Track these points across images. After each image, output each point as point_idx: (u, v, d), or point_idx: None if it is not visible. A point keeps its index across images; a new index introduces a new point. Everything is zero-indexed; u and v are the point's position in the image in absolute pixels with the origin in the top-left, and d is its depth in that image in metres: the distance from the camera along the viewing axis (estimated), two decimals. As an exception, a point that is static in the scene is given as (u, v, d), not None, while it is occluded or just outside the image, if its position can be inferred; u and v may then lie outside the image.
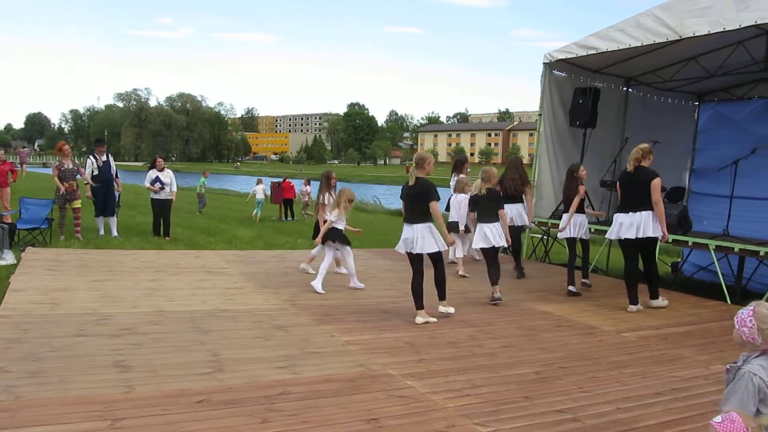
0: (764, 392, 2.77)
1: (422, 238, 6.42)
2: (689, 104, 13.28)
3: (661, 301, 7.88)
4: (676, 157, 12.83)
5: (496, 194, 7.88)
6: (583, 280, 8.85)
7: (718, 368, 5.23)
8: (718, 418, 2.41)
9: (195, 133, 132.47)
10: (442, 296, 6.76)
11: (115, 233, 11.79)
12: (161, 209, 12.16)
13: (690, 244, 9.29)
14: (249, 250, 11.48)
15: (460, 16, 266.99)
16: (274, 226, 16.54)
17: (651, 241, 7.72)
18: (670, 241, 9.54)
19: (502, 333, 6.30)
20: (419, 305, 6.54)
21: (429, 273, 6.61)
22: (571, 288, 8.37)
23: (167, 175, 12.18)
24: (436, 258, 6.60)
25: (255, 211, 18.87)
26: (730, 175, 9.48)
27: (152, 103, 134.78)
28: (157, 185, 11.97)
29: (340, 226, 8.04)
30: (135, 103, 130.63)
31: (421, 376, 4.80)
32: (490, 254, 7.73)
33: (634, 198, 7.51)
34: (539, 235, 12.40)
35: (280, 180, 19.50)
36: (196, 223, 15.64)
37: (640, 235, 7.42)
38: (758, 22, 8.12)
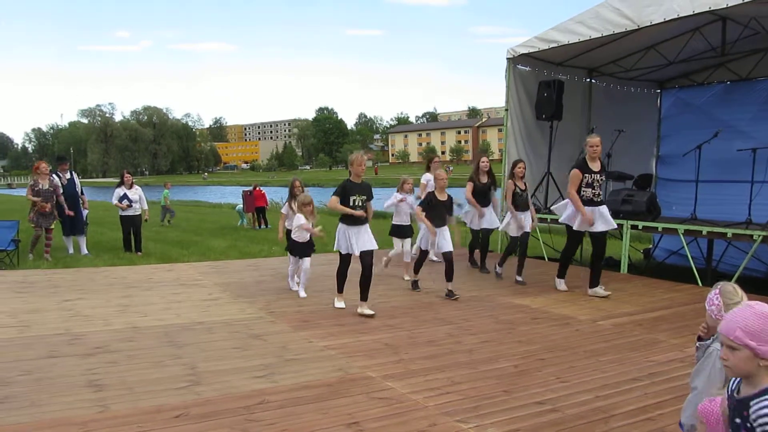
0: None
1: None
2: (651, 92, 13.51)
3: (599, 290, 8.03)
4: (642, 144, 13.04)
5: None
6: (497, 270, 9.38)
7: (692, 351, 5.29)
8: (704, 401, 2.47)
9: (163, 146, 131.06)
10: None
11: (85, 251, 11.60)
12: (131, 224, 11.99)
13: (660, 229, 9.44)
14: (223, 260, 11.37)
15: (420, 16, 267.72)
16: (248, 234, 16.41)
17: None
18: (640, 228, 9.71)
19: (479, 329, 6.32)
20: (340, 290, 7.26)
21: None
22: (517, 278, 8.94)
23: (136, 192, 12.02)
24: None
25: (239, 222, 19.00)
26: (695, 159, 9.65)
27: (117, 117, 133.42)
28: (125, 202, 11.80)
29: (299, 235, 7.87)
30: (100, 118, 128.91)
31: (401, 376, 4.80)
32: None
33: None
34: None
35: (251, 188, 19.35)
36: (168, 236, 15.45)
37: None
38: (712, 8, 8.29)
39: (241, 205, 19.53)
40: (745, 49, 10.31)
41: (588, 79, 12.74)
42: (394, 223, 9.02)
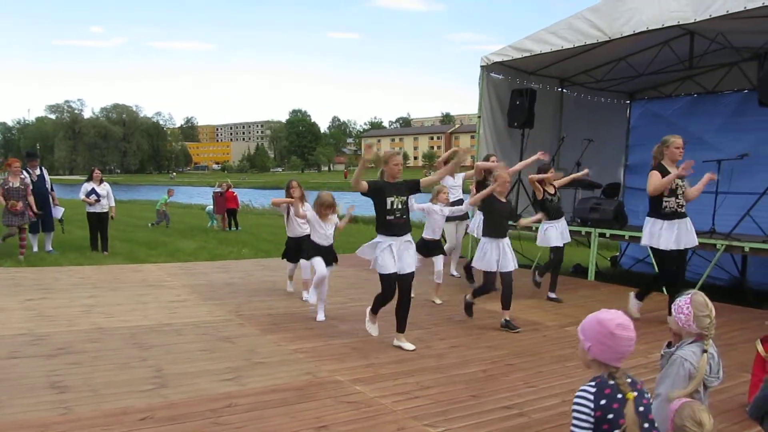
0: (694, 377, 2.89)
1: None
2: (621, 103, 13.75)
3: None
4: (611, 154, 13.27)
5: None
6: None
7: (656, 356, 5.38)
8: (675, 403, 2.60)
9: (133, 145, 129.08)
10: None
11: (49, 248, 11.37)
12: (98, 222, 11.80)
13: (627, 237, 9.61)
14: (192, 261, 11.24)
15: (398, 21, 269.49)
16: (218, 236, 16.26)
17: None
18: (608, 236, 9.86)
19: (449, 334, 6.36)
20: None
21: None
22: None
23: (104, 188, 11.84)
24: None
25: (209, 223, 18.81)
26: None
27: (86, 114, 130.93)
28: (93, 197, 11.61)
29: (317, 238, 6.93)
30: (68, 115, 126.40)
31: (370, 380, 4.79)
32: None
33: None
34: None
35: (220, 189, 19.18)
36: (136, 236, 15.22)
37: None
38: (680, 23, 8.49)
39: (212, 207, 19.35)
40: (711, 63, 10.59)
41: (559, 89, 12.92)
42: (425, 237, 7.88)
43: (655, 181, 6.68)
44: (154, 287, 8.32)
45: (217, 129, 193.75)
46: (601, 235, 9.88)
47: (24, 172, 11.04)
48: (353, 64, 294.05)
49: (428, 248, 7.79)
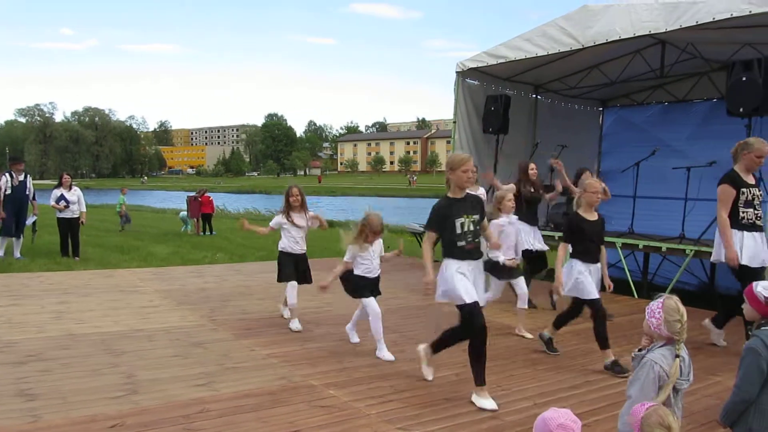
0: (663, 380, 2.95)
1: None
2: (594, 110, 13.93)
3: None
4: (584, 160, 13.37)
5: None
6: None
7: (628, 360, 5.48)
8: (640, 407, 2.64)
9: (105, 148, 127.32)
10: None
11: (17, 255, 11.16)
12: (69, 228, 11.62)
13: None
14: (165, 266, 11.12)
15: (374, 27, 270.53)
16: (192, 241, 16.11)
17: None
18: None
19: (423, 337, 6.36)
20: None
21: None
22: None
23: (74, 193, 11.67)
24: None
25: (183, 228, 18.65)
26: (633, 176, 10.01)
27: (58, 118, 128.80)
28: (62, 203, 11.44)
29: (363, 270, 5.72)
30: (39, 118, 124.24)
31: (344, 384, 4.79)
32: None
33: None
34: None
35: (195, 193, 19.04)
36: (108, 241, 15.02)
37: None
38: (652, 32, 8.64)
39: (185, 212, 19.19)
40: (681, 72, 10.80)
41: (534, 95, 13.05)
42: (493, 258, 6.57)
43: (722, 195, 5.97)
44: (127, 293, 8.22)
45: (192, 133, 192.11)
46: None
47: (6, 175, 10.89)
48: (330, 69, 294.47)
49: (499, 268, 6.62)
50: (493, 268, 6.52)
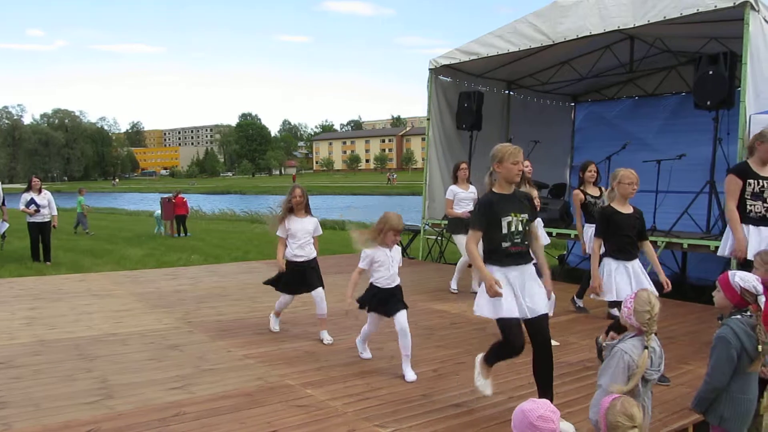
0: (633, 369, 3.00)
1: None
2: (566, 105, 14.09)
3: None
4: (557, 155, 13.57)
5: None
6: None
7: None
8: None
9: (76, 151, 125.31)
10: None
11: (-13, 261, 10.97)
12: (40, 232, 11.44)
13: (572, 236, 9.84)
14: (139, 269, 11.00)
15: (347, 24, 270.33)
16: (166, 243, 15.95)
17: None
18: (554, 235, 10.09)
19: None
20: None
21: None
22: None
23: (44, 197, 11.49)
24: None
25: (156, 229, 18.47)
26: (605, 170, 10.12)
27: (26, 120, 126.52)
28: (32, 207, 11.25)
29: (384, 277, 5.04)
30: (7, 121, 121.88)
31: (321, 383, 4.79)
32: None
33: None
34: (434, 237, 12.69)
35: (170, 195, 18.86)
36: (80, 245, 14.81)
37: None
38: (621, 27, 8.76)
39: (159, 212, 18.99)
40: (651, 67, 10.98)
41: (507, 91, 13.16)
42: None
43: (729, 186, 5.76)
44: (100, 297, 8.11)
45: (165, 133, 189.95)
46: (548, 234, 10.08)
47: None
48: (303, 68, 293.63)
49: None
50: None
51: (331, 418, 4.09)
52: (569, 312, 7.53)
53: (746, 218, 5.74)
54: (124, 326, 6.54)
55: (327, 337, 6.00)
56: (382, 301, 5.04)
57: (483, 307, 3.98)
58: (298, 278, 6.01)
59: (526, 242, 4.03)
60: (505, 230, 3.94)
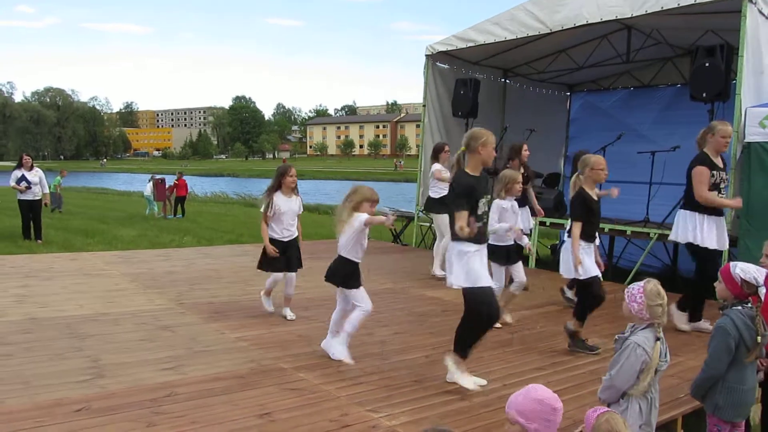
0: (646, 362, 3.01)
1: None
2: (562, 94, 14.07)
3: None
4: (552, 144, 13.56)
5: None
6: None
7: (593, 341, 5.60)
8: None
9: (68, 130, 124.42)
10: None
11: (-23, 238, 10.90)
12: (30, 210, 11.36)
13: (566, 226, 9.85)
14: (132, 250, 10.96)
15: (342, 8, 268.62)
16: (159, 224, 15.90)
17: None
18: (548, 224, 10.12)
19: (392, 320, 6.41)
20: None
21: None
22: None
23: (35, 174, 11.41)
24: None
25: (148, 210, 18.38)
26: (600, 160, 10.13)
27: (17, 98, 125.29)
28: (23, 184, 11.18)
29: (358, 254, 5.02)
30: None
31: (314, 367, 4.80)
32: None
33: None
34: (428, 224, 12.70)
35: (162, 176, 18.88)
36: (72, 224, 14.73)
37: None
38: (618, 17, 8.74)
39: (150, 192, 18.83)
40: (647, 58, 10.96)
41: (503, 79, 13.12)
42: (492, 242, 5.98)
43: (698, 176, 5.98)
44: (91, 276, 8.08)
45: (158, 115, 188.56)
46: (542, 223, 10.11)
47: None
48: (298, 51, 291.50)
49: (503, 254, 6.26)
50: (493, 254, 5.83)
51: (323, 401, 4.11)
52: (561, 302, 7.53)
53: (702, 208, 6.04)
54: (116, 306, 6.52)
55: (290, 314, 6.28)
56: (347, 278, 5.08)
57: (460, 277, 4.27)
58: (282, 257, 6.12)
59: (487, 222, 4.49)
60: (480, 211, 4.28)
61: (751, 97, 7.64)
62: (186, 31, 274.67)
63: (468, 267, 4.24)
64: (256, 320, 6.18)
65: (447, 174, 8.14)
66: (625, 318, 3.22)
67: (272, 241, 6.09)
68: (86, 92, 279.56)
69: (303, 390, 4.30)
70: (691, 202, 6.17)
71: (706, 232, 6.03)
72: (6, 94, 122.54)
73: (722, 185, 6.09)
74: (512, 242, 6.29)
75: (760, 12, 7.74)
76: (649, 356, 3.02)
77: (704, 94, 8.16)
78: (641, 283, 3.15)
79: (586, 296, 5.41)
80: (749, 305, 3.31)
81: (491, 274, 4.87)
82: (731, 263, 3.44)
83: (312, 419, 3.82)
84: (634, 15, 8.55)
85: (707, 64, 8.08)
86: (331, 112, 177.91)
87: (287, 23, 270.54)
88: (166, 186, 18.52)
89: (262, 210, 6.15)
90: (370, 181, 55.19)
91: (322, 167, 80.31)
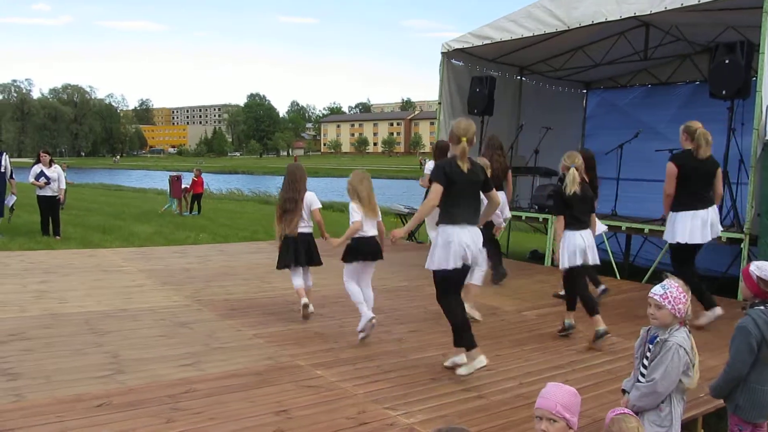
0: (687, 364, 2.99)
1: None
2: (578, 92, 13.98)
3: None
4: (568, 142, 13.41)
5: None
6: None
7: (610, 340, 5.56)
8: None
9: (85, 127, 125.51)
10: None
11: (-5, 233, 11.03)
12: (49, 206, 11.48)
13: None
14: (148, 246, 11.04)
15: (356, 6, 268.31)
16: (174, 221, 16.01)
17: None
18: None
19: (408, 318, 6.41)
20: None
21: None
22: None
23: (54, 170, 11.52)
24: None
25: (165, 206, 18.50)
26: (616, 158, 10.07)
27: (35, 95, 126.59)
28: (42, 180, 11.29)
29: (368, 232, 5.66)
30: (16, 95, 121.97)
31: (331, 364, 4.80)
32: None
33: (707, 190, 6.51)
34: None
35: (179, 174, 19.00)
36: (89, 220, 14.87)
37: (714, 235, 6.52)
38: (637, 14, 8.66)
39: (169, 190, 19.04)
40: (665, 54, 10.85)
41: (519, 77, 13.06)
42: None
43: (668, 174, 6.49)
44: (109, 272, 8.14)
45: (173, 112, 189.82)
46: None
47: None
48: (312, 49, 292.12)
49: None
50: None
51: (341, 399, 4.11)
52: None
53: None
54: (134, 302, 6.57)
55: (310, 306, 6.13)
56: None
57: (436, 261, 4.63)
58: (300, 252, 6.16)
59: None
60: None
61: (772, 94, 7.53)
62: (200, 30, 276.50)
63: (452, 251, 4.54)
64: (272, 317, 6.20)
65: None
66: (661, 323, 3.08)
67: (287, 237, 6.16)
68: (102, 89, 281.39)
69: (320, 387, 4.31)
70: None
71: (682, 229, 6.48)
72: (24, 91, 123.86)
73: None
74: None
75: (782, 8, 7.63)
76: (690, 356, 3.00)
77: (724, 92, 8.06)
78: (674, 284, 3.06)
79: (569, 287, 5.83)
80: None
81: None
82: (752, 262, 3.41)
83: (329, 416, 3.82)
84: (653, 12, 8.47)
85: (727, 61, 7.99)
86: (345, 109, 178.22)
87: (302, 21, 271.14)
88: (182, 184, 18.62)
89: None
90: (389, 179, 54.90)
91: (336, 165, 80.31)
